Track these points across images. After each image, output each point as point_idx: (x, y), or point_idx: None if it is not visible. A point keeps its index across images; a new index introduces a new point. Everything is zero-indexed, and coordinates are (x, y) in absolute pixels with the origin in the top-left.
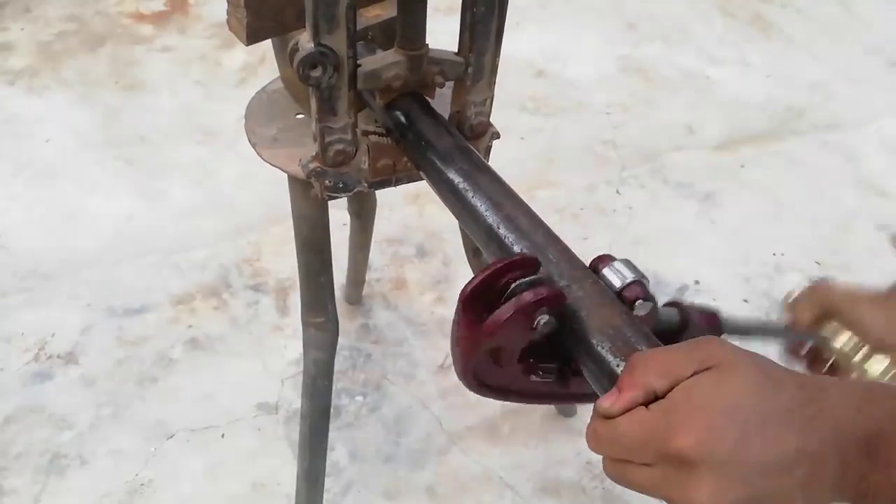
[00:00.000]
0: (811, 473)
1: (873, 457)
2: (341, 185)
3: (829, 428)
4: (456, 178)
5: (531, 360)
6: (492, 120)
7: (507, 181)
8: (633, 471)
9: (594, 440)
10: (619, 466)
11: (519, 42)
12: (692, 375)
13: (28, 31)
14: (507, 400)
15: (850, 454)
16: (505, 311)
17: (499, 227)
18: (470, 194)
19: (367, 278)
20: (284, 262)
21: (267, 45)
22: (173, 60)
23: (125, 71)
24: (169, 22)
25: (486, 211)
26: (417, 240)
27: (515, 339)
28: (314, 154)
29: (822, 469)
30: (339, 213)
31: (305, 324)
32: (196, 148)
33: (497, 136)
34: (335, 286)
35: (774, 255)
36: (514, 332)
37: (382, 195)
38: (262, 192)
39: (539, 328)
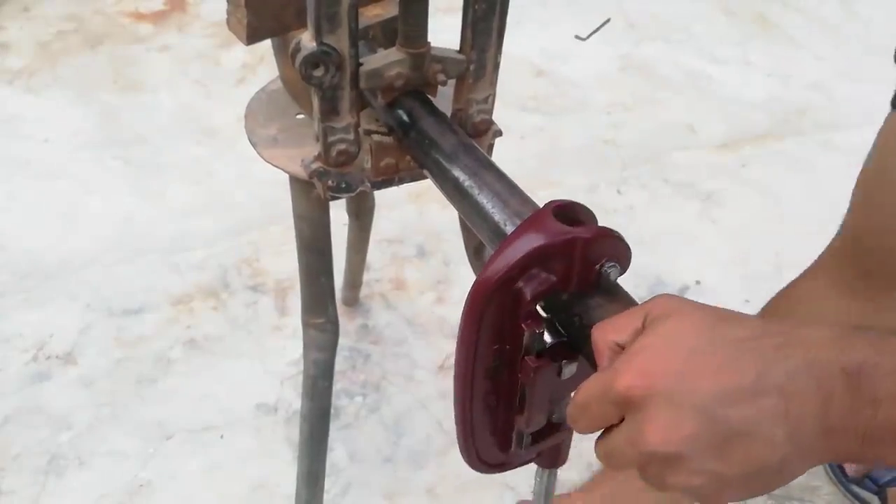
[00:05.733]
0: (784, 405)
1: (856, 391)
2: (344, 186)
3: (800, 358)
4: (461, 176)
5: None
6: (492, 119)
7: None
8: (611, 439)
9: (569, 418)
10: (602, 442)
11: (519, 41)
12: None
13: (26, 31)
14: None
15: (833, 387)
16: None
17: (506, 225)
18: (476, 191)
19: (366, 278)
20: (284, 263)
21: (266, 44)
22: (172, 60)
23: (124, 70)
24: (168, 21)
25: (492, 209)
26: (417, 240)
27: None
28: (316, 154)
29: (799, 400)
30: (338, 213)
31: (305, 325)
32: (195, 147)
33: (499, 133)
34: (336, 286)
35: (776, 254)
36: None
37: (382, 194)
38: (261, 191)
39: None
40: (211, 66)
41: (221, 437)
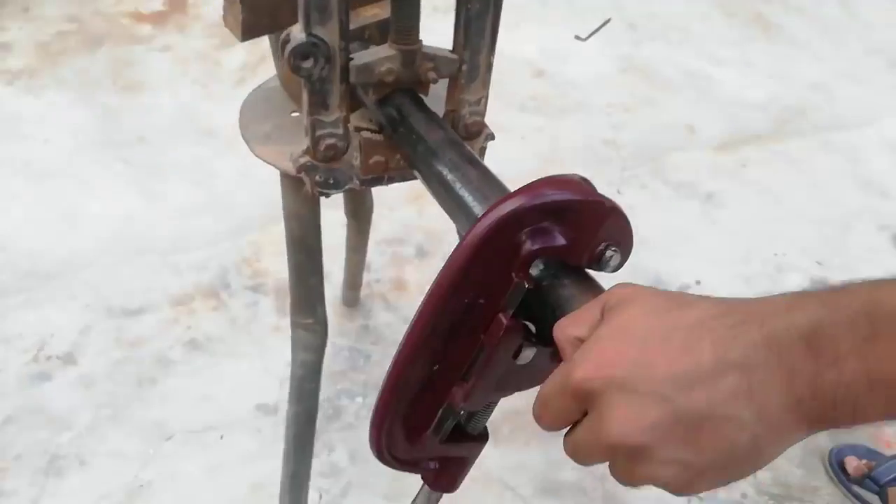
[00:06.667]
0: (745, 382)
1: (817, 353)
2: (332, 182)
3: (757, 333)
4: (444, 171)
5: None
6: (492, 119)
7: (505, 181)
8: (576, 435)
9: (534, 415)
10: (568, 439)
11: (519, 41)
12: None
13: (27, 31)
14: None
15: (794, 356)
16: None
17: None
18: (458, 186)
19: (367, 279)
20: (283, 263)
21: (266, 43)
22: (172, 60)
23: (124, 71)
24: (168, 21)
25: (473, 202)
26: (417, 240)
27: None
28: (305, 148)
29: (761, 376)
30: (338, 214)
31: (294, 324)
32: (195, 148)
33: (492, 136)
34: (336, 286)
35: (776, 255)
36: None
37: (382, 195)
38: (261, 191)
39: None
40: (211, 66)
41: (221, 437)
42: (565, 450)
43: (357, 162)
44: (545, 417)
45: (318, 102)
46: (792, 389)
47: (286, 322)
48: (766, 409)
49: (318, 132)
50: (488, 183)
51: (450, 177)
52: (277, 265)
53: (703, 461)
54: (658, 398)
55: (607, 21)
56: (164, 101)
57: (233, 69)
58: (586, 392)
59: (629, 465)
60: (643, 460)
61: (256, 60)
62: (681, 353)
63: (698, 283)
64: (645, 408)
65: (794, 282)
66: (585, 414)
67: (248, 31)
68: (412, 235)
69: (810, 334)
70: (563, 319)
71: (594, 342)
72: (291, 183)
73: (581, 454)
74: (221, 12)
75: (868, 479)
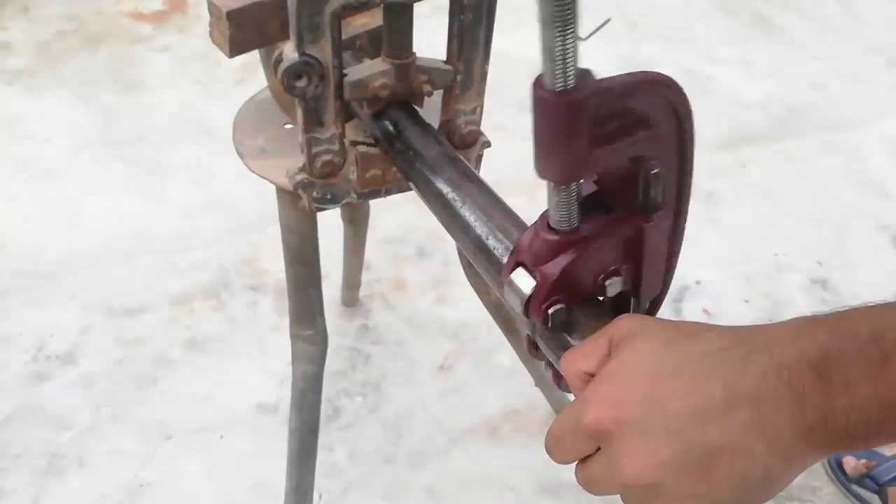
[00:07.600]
0: (757, 414)
1: (827, 381)
2: (329, 197)
3: (766, 363)
4: (444, 188)
5: None
6: (492, 120)
7: (506, 182)
8: (589, 470)
9: (546, 450)
10: (581, 471)
11: (518, 41)
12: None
13: (27, 31)
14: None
15: (804, 385)
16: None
17: (488, 238)
18: (458, 204)
19: (366, 279)
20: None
21: None
22: (172, 60)
23: (124, 70)
24: (168, 21)
25: (475, 221)
26: (417, 240)
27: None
28: (301, 165)
29: (773, 407)
30: (336, 215)
31: (294, 336)
32: (195, 147)
33: (488, 144)
34: (336, 286)
35: (776, 255)
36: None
37: None
38: (261, 191)
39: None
40: (211, 66)
41: (221, 437)
42: (577, 480)
43: (354, 176)
44: (557, 454)
45: (313, 120)
46: (803, 418)
47: (286, 322)
48: (779, 440)
49: (315, 149)
50: (489, 200)
51: (450, 195)
52: (277, 265)
53: (717, 495)
54: (671, 434)
55: (607, 21)
56: (164, 101)
57: (233, 69)
58: (600, 432)
59: (644, 500)
60: (657, 496)
61: (256, 61)
62: (692, 388)
63: (698, 283)
64: (658, 445)
65: (794, 282)
66: (598, 448)
67: (236, 48)
68: (412, 235)
69: (820, 362)
70: (570, 352)
71: (604, 379)
72: (288, 197)
73: (594, 488)
74: (208, 28)
75: (867, 479)
